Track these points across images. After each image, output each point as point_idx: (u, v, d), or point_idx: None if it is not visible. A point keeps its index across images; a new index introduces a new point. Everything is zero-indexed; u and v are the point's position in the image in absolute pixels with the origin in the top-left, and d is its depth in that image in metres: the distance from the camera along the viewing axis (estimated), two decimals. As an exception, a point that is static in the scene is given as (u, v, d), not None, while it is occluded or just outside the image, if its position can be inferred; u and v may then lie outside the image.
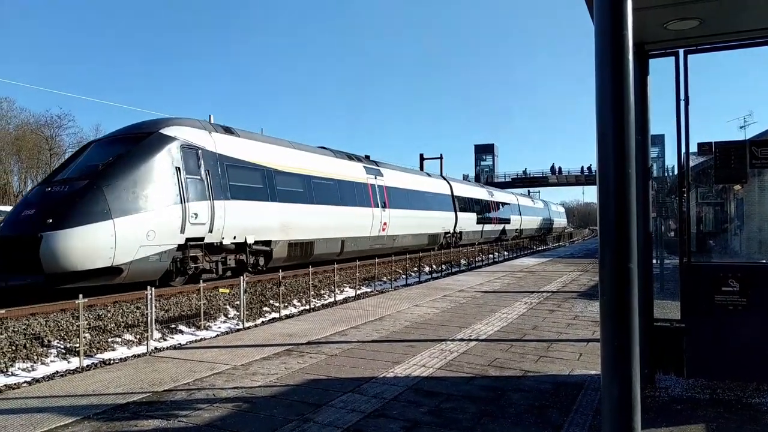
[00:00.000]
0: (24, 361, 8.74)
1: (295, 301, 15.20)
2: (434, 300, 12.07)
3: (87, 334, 9.93)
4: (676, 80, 5.29)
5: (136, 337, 10.49)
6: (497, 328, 8.77)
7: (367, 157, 28.43)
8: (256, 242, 17.86)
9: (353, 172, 24.67)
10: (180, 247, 15.00)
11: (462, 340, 7.92)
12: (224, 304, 13.47)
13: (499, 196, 49.81)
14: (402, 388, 5.63)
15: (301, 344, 7.74)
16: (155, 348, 9.66)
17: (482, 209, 42.20)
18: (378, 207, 25.75)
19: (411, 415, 4.84)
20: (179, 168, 15.02)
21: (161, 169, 14.63)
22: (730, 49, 5.31)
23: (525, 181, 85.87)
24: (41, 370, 8.58)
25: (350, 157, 25.86)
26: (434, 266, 25.62)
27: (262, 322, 12.38)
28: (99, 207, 13.05)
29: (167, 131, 15.48)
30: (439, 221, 33.24)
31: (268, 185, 18.57)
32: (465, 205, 38.38)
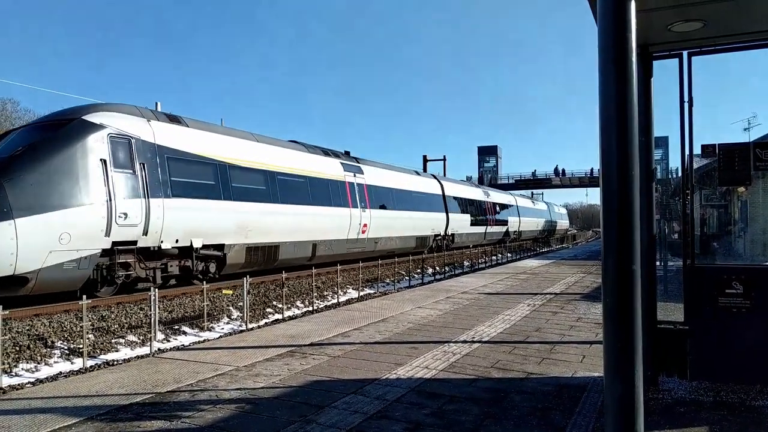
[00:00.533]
0: (28, 362, 8.75)
1: (298, 303, 15.20)
2: (437, 302, 12.06)
3: (90, 335, 9.95)
4: (680, 82, 5.29)
5: (139, 338, 10.50)
6: (500, 330, 8.76)
7: (347, 153, 26.27)
8: (206, 246, 15.72)
9: (328, 169, 22.35)
10: (106, 253, 12.90)
11: (465, 342, 7.92)
12: (227, 306, 13.48)
13: (496, 196, 47.85)
14: (405, 389, 5.63)
15: (304, 345, 7.74)
16: (158, 349, 9.67)
17: (477, 210, 40.40)
18: (357, 207, 23.50)
19: (413, 416, 4.84)
20: (105, 160, 12.91)
21: (81, 161, 12.55)
22: (734, 50, 5.30)
23: (528, 183, 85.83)
24: (45, 371, 8.59)
25: (326, 152, 23.49)
26: (437, 268, 25.60)
27: (265, 323, 12.38)
28: None
29: (92, 118, 13.33)
30: (429, 223, 31.14)
31: (222, 181, 16.34)
32: (457, 205, 36.41)
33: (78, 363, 8.93)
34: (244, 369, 6.50)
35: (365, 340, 8.10)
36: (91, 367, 8.66)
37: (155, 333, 9.97)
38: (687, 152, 5.31)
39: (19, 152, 12.19)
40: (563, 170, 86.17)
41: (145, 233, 13.71)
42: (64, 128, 12.89)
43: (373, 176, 25.92)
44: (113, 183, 13.01)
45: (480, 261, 30.01)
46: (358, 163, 25.53)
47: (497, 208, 45.81)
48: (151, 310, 9.78)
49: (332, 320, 9.80)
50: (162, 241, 14.23)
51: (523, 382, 5.89)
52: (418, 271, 23.15)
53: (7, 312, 9.26)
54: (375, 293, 17.41)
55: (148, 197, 13.76)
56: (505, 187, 76.12)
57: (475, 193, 41.91)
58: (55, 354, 9.27)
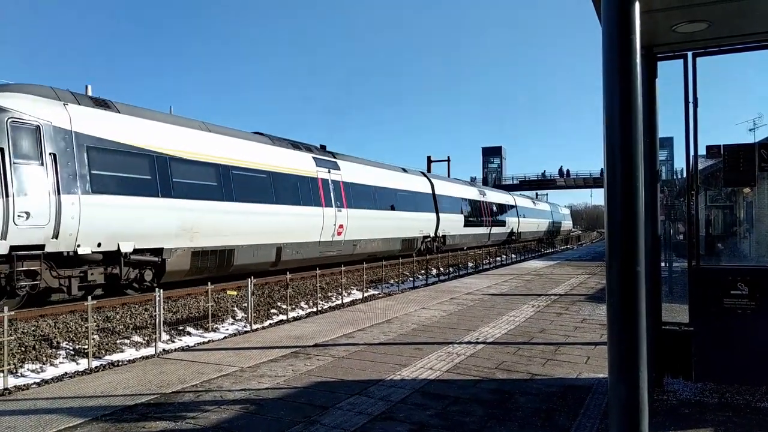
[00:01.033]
0: (33, 363, 8.78)
1: (302, 304, 15.21)
2: (441, 303, 12.05)
3: (96, 336, 9.98)
4: (685, 83, 5.28)
5: (144, 339, 10.53)
6: (505, 331, 8.75)
7: (323, 147, 23.98)
8: (139, 251, 13.66)
9: (297, 164, 20.18)
10: (4, 259, 11.11)
11: (469, 343, 7.91)
12: (232, 306, 13.50)
13: (493, 196, 45.69)
14: (409, 390, 5.63)
15: (309, 346, 7.75)
16: (163, 350, 9.69)
17: (472, 210, 38.26)
18: (332, 206, 21.37)
19: (418, 417, 4.84)
20: (3, 149, 11.13)
21: None
22: (739, 51, 5.28)
23: (532, 184, 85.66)
24: (50, 372, 8.62)
25: (295, 145, 21.29)
26: (441, 269, 25.58)
27: (270, 324, 12.40)
28: None
29: None
30: (416, 223, 29.05)
31: (160, 176, 14.23)
32: (450, 205, 34.06)
33: (83, 363, 8.96)
34: (248, 370, 6.51)
35: (369, 341, 8.10)
36: (96, 367, 8.69)
37: (160, 334, 9.99)
38: (692, 153, 5.30)
39: None
40: (567, 171, 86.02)
41: (56, 236, 11.75)
42: None
43: (351, 173, 23.73)
44: (12, 176, 11.15)
45: (484, 262, 29.98)
46: (335, 158, 23.38)
47: (494, 208, 43.95)
48: (155, 311, 9.80)
49: (336, 321, 9.81)
50: (79, 245, 12.26)
51: (528, 384, 5.89)
52: (423, 272, 23.14)
53: (12, 313, 9.30)
54: (379, 294, 17.41)
55: (59, 193, 11.82)
56: (510, 188, 75.88)
57: (469, 192, 39.77)
58: (60, 355, 9.30)
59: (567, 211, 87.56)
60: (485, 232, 41.10)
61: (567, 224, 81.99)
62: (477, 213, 39.50)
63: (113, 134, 13.43)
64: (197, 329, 11.60)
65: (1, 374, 7.58)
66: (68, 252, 12.17)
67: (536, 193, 79.09)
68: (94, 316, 10.31)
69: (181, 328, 11.42)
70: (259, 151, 18.58)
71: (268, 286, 16.23)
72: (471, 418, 4.81)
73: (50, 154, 11.88)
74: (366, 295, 17.15)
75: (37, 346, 9.28)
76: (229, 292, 13.93)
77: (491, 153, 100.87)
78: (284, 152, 19.99)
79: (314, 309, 14.67)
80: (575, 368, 6.51)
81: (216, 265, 16.13)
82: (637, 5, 2.06)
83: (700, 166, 6.08)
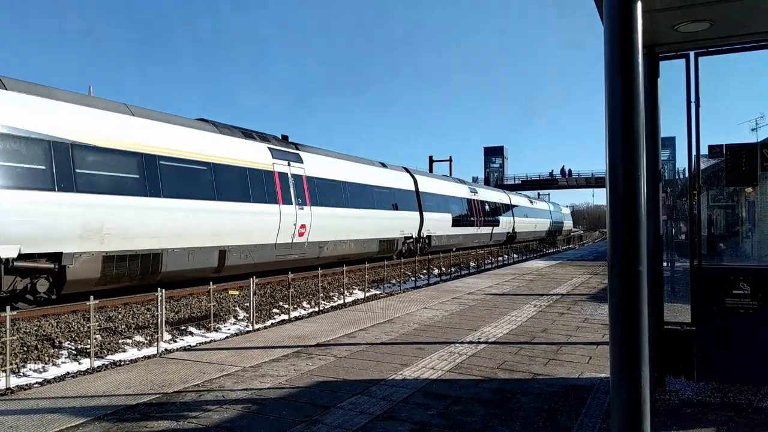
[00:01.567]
0: (35, 362, 8.80)
1: (304, 303, 15.22)
2: (443, 302, 12.05)
3: (98, 336, 10.00)
4: (687, 82, 5.27)
5: (146, 339, 10.55)
6: (506, 331, 8.75)
7: (285, 137, 21.34)
8: (27, 256, 11.40)
9: (248, 155, 17.74)
10: None
11: (471, 342, 7.91)
12: (234, 306, 13.51)
13: (486, 194, 43.05)
14: (411, 390, 5.63)
15: (310, 346, 7.76)
16: (165, 349, 9.70)
17: (461, 209, 35.84)
18: (292, 204, 18.99)
19: (419, 417, 4.84)
20: None
21: None
22: (741, 51, 5.28)
23: (534, 184, 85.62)
24: (52, 371, 8.64)
25: (247, 134, 18.70)
26: (443, 269, 25.58)
27: (272, 324, 12.41)
28: None
29: None
30: (396, 223, 26.72)
31: (58, 166, 11.92)
32: (436, 203, 31.76)
33: (85, 363, 8.97)
34: (250, 369, 6.51)
35: (371, 340, 8.11)
36: (98, 367, 8.70)
37: (162, 333, 10.00)
38: (694, 153, 5.29)
39: None
40: (569, 171, 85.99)
41: None
42: None
43: (316, 166, 21.24)
44: None
45: (486, 262, 29.98)
46: (298, 150, 20.88)
47: (487, 208, 41.48)
48: (158, 311, 9.82)
49: (338, 321, 9.82)
50: None
51: (530, 383, 5.89)
52: (424, 271, 23.14)
53: (15, 313, 9.33)
54: (381, 294, 17.42)
55: None
56: (512, 188, 75.78)
57: (458, 190, 37.09)
58: (62, 354, 9.32)
59: (567, 211, 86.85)
60: (477, 233, 38.91)
61: (567, 224, 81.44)
62: (467, 212, 37.26)
63: None
64: (199, 329, 11.62)
65: (4, 374, 7.60)
66: None
67: (538, 193, 78.91)
68: (96, 316, 10.32)
69: (183, 327, 11.44)
70: (199, 140, 15.98)
71: (270, 285, 16.24)
72: (473, 418, 4.81)
73: None
74: (368, 294, 17.15)
75: (39, 346, 9.30)
76: (230, 292, 13.93)
77: (493, 153, 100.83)
78: (231, 141, 17.42)
79: (316, 309, 14.67)
80: (577, 368, 6.50)
81: (139, 272, 13.77)
82: (638, 5, 2.05)
83: (702, 166, 6.07)
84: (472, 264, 28.80)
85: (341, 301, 15.86)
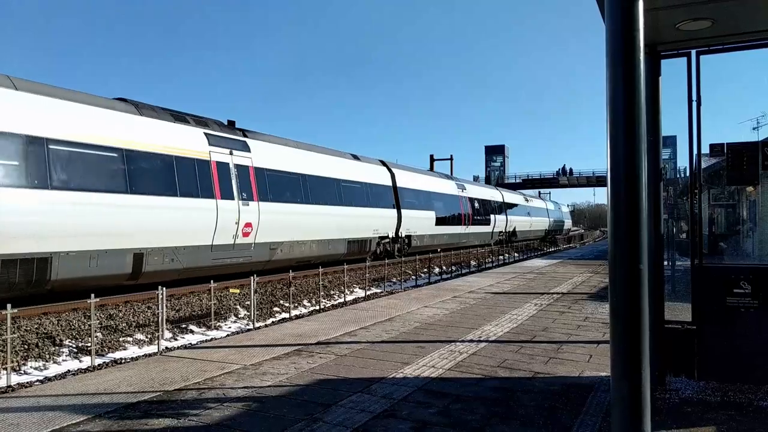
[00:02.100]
0: (36, 360, 8.81)
1: (305, 302, 15.23)
2: (444, 301, 12.05)
3: (99, 334, 10.01)
4: (688, 81, 5.27)
5: (147, 337, 10.56)
6: (507, 330, 8.75)
7: (231, 123, 18.74)
8: None
9: (176, 141, 15.02)
10: None
11: (472, 341, 7.91)
12: (234, 305, 13.52)
13: (475, 191, 40.24)
14: (411, 388, 5.63)
15: (311, 344, 7.76)
16: (166, 347, 9.71)
17: (446, 207, 33.42)
18: (233, 199, 16.39)
19: (420, 415, 4.84)
20: None
21: None
22: (743, 49, 5.27)
23: (535, 183, 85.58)
24: (53, 369, 8.65)
25: (178, 117, 15.87)
26: (444, 267, 25.59)
27: (272, 322, 12.41)
28: None
29: None
30: (369, 221, 24.25)
31: None
32: (416, 200, 29.32)
33: (86, 361, 8.99)
34: (251, 367, 6.52)
35: (372, 339, 8.11)
36: (99, 365, 8.71)
37: (163, 331, 10.02)
38: (695, 151, 5.29)
39: None
40: (570, 170, 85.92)
41: None
42: None
43: (268, 156, 18.54)
44: None
45: (487, 261, 29.98)
46: (245, 136, 18.22)
47: (475, 205, 38.64)
48: (158, 309, 9.83)
49: (339, 319, 9.82)
50: None
51: (530, 382, 5.89)
52: (425, 270, 23.14)
53: (16, 310, 9.34)
54: (382, 292, 17.42)
55: None
56: (512, 187, 75.66)
57: (443, 186, 34.42)
58: (63, 352, 9.33)
59: (567, 210, 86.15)
60: (465, 232, 36.26)
61: (567, 223, 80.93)
62: (454, 210, 34.67)
63: None
64: (200, 327, 11.63)
65: (5, 372, 7.61)
66: None
67: (539, 192, 78.83)
68: (97, 314, 10.33)
69: (183, 325, 11.45)
70: (109, 121, 13.40)
71: (271, 284, 16.25)
72: (473, 416, 4.82)
73: None
74: (369, 293, 17.15)
75: (40, 344, 9.32)
76: (231, 290, 13.95)
77: (494, 152, 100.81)
78: (154, 124, 14.69)
79: (317, 307, 14.69)
80: (577, 366, 6.50)
81: (20, 281, 11.24)
82: (640, 3, 2.05)
83: (704, 165, 6.06)
84: (473, 263, 28.79)
85: (342, 300, 15.87)
